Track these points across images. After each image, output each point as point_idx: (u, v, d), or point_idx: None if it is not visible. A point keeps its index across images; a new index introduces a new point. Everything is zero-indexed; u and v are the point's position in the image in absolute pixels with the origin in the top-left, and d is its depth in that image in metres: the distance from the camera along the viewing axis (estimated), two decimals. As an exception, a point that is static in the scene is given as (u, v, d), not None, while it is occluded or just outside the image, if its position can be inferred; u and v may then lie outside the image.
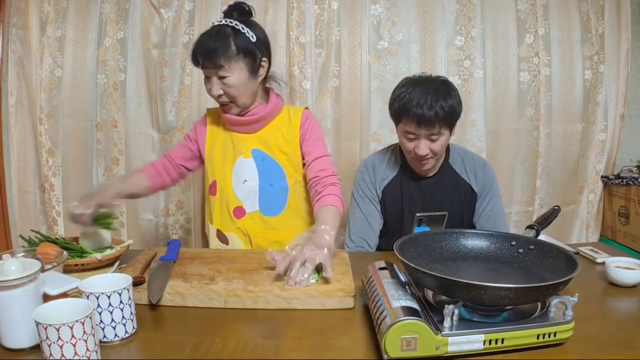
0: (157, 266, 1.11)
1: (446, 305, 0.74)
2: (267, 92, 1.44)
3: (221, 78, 1.30)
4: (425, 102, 1.28)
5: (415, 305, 0.77)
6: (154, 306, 0.95)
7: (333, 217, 1.23)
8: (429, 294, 0.87)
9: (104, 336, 0.80)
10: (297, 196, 1.43)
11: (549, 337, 0.76)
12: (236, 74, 1.30)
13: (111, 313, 0.79)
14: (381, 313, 0.77)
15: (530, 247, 0.94)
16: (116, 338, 0.81)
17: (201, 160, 1.49)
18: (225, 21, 1.31)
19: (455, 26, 2.13)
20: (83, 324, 0.68)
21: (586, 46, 2.18)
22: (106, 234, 1.25)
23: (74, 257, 1.13)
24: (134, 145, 2.18)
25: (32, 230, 1.27)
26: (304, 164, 1.41)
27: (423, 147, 1.33)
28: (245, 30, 1.31)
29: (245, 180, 1.40)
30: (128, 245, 1.26)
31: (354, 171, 1.61)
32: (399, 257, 0.84)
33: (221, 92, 1.32)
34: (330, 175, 1.35)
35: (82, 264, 1.10)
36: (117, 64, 2.16)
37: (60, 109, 2.20)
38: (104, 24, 2.14)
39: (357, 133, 2.17)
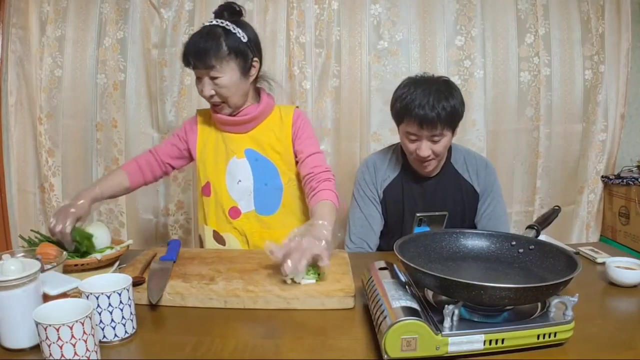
0: (157, 266, 1.10)
1: (446, 306, 0.74)
2: (258, 92, 1.44)
3: (213, 79, 1.29)
4: (428, 103, 1.26)
5: (415, 305, 0.77)
6: (153, 306, 0.95)
7: (329, 211, 1.22)
8: (429, 294, 0.87)
9: (104, 336, 0.80)
10: (292, 195, 1.44)
11: (549, 337, 0.76)
12: (228, 74, 1.29)
13: (111, 313, 0.79)
14: (381, 313, 0.77)
15: (531, 247, 0.94)
16: (116, 338, 0.81)
17: (188, 160, 1.49)
18: (216, 21, 1.31)
19: (455, 26, 2.13)
20: (83, 324, 0.68)
21: (586, 46, 2.18)
22: (104, 235, 1.24)
23: (73, 257, 1.13)
24: (133, 145, 2.18)
25: (32, 230, 1.27)
26: (296, 162, 1.42)
27: (425, 148, 1.32)
28: (236, 30, 1.30)
29: (240, 181, 1.40)
30: (128, 245, 1.26)
31: (354, 171, 1.61)
32: (399, 257, 0.84)
33: (213, 92, 1.31)
34: (324, 171, 1.34)
35: (82, 264, 1.10)
36: (117, 64, 2.16)
37: (60, 109, 2.20)
38: (104, 24, 2.14)
39: (357, 133, 2.17)
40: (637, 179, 2.11)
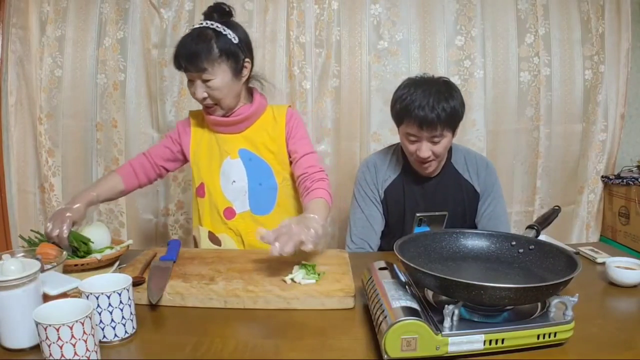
0: (157, 266, 1.10)
1: (446, 306, 0.74)
2: (250, 92, 1.44)
3: (205, 81, 1.29)
4: (427, 104, 1.26)
5: (415, 305, 0.77)
6: (153, 306, 0.95)
7: (322, 208, 1.23)
8: (429, 294, 0.87)
9: (104, 336, 0.80)
10: (286, 194, 1.44)
11: (549, 337, 0.76)
12: (220, 76, 1.29)
13: (111, 313, 0.79)
14: (381, 313, 0.77)
15: (531, 247, 0.94)
16: (116, 338, 0.81)
17: (182, 162, 1.49)
18: (206, 23, 1.30)
19: (455, 26, 2.13)
20: (83, 324, 0.68)
21: (586, 46, 2.18)
22: (104, 235, 1.24)
23: (73, 257, 1.13)
24: (133, 145, 2.18)
25: (32, 230, 1.27)
26: (290, 162, 1.42)
27: (425, 149, 1.32)
28: (227, 32, 1.29)
29: (234, 181, 1.40)
30: (128, 245, 1.26)
31: (354, 171, 1.61)
32: (399, 257, 0.84)
33: (205, 95, 1.31)
34: (318, 171, 1.35)
35: (82, 264, 1.10)
36: (117, 64, 2.16)
37: (60, 109, 2.20)
38: (104, 24, 2.14)
39: (357, 133, 2.17)
40: (637, 179, 2.11)
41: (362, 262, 1.05)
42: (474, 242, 0.99)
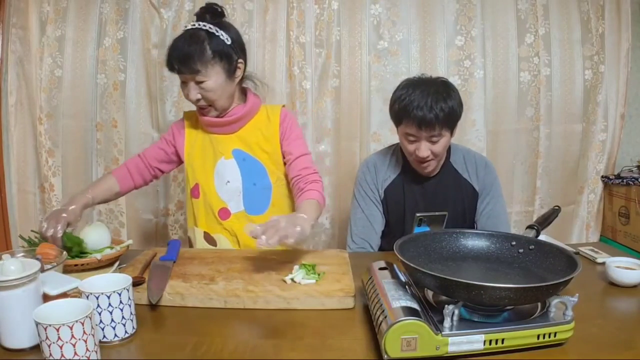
0: (157, 266, 1.10)
1: (446, 305, 0.74)
2: (244, 92, 1.44)
3: (198, 83, 1.29)
4: (426, 104, 1.27)
5: (415, 305, 0.77)
6: (153, 306, 0.95)
7: (312, 208, 1.24)
8: (429, 294, 0.87)
9: (104, 336, 0.80)
10: (281, 194, 1.44)
11: (549, 337, 0.76)
12: (213, 78, 1.29)
13: (111, 313, 0.79)
14: (381, 313, 0.77)
15: (531, 247, 0.94)
16: (116, 338, 0.81)
17: (177, 163, 1.49)
18: (199, 24, 1.29)
19: (455, 26, 2.13)
20: (83, 324, 0.68)
21: (586, 46, 2.18)
22: (104, 235, 1.24)
23: (73, 257, 1.13)
24: (133, 145, 2.18)
25: (32, 230, 1.27)
26: (285, 163, 1.42)
27: (424, 149, 1.32)
28: (220, 33, 1.29)
29: (228, 181, 1.40)
30: (128, 245, 1.26)
31: (354, 171, 1.61)
32: (399, 257, 0.84)
33: (199, 96, 1.31)
34: (312, 173, 1.36)
35: (82, 264, 1.10)
36: (117, 64, 2.16)
37: (60, 109, 2.20)
38: (104, 24, 2.14)
39: (357, 133, 2.17)
40: (637, 179, 2.11)
41: (362, 262, 1.05)
42: (474, 242, 0.99)
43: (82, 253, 1.16)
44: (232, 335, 0.85)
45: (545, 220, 1.11)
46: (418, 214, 1.37)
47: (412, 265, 0.80)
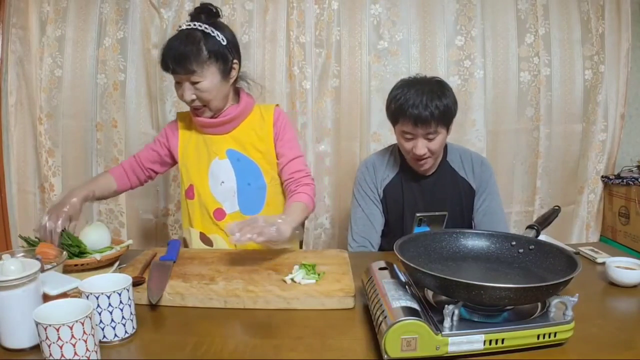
0: (157, 266, 1.10)
1: (446, 305, 0.74)
2: (237, 92, 1.44)
3: (193, 83, 1.28)
4: (421, 102, 1.29)
5: (415, 305, 0.77)
6: (154, 306, 0.95)
7: (298, 211, 1.27)
8: (429, 294, 0.87)
9: (104, 336, 0.80)
10: (275, 193, 1.44)
11: (549, 337, 0.76)
12: (208, 78, 1.28)
13: (111, 313, 0.79)
14: (381, 313, 0.77)
15: (531, 247, 0.94)
16: (116, 338, 0.81)
17: (171, 164, 1.50)
18: (194, 24, 1.29)
19: (455, 26, 2.13)
20: (83, 324, 0.68)
21: (586, 46, 2.18)
22: (104, 235, 1.24)
23: (73, 257, 1.13)
24: (133, 145, 2.18)
25: (33, 230, 1.27)
26: (278, 164, 1.43)
27: (421, 146, 1.34)
28: (216, 33, 1.29)
29: (223, 182, 1.40)
30: (128, 245, 1.26)
31: (354, 171, 1.62)
32: (399, 257, 0.84)
33: (194, 97, 1.30)
34: (304, 176, 1.39)
35: (82, 264, 1.10)
36: (117, 64, 2.16)
37: (60, 109, 2.20)
38: (104, 24, 2.14)
39: (357, 133, 2.17)
40: (637, 179, 2.11)
41: (362, 262, 1.05)
42: (474, 242, 0.99)
43: (82, 253, 1.16)
44: (232, 335, 0.85)
45: (545, 220, 1.11)
46: (418, 214, 1.38)
47: (412, 265, 0.80)
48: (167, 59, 1.27)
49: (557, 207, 1.18)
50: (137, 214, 2.27)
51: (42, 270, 0.83)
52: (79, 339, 0.68)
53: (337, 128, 2.19)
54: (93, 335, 0.70)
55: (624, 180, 2.16)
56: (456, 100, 1.37)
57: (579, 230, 2.33)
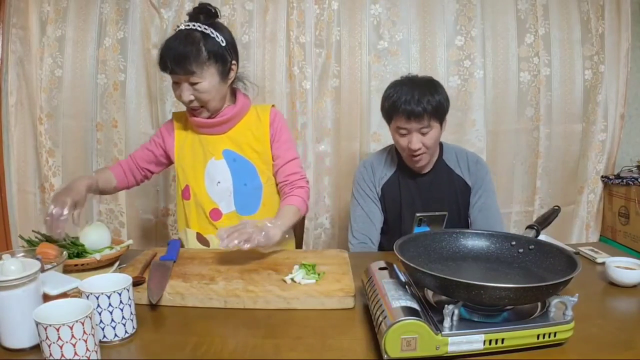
0: (157, 266, 1.11)
1: (446, 305, 0.74)
2: (233, 92, 1.44)
3: (192, 84, 1.28)
4: (413, 98, 1.34)
5: (415, 305, 0.77)
6: (154, 306, 0.95)
7: (289, 214, 1.29)
8: (429, 294, 0.87)
9: (104, 336, 0.80)
10: (271, 193, 1.45)
11: (549, 337, 0.76)
12: (207, 79, 1.28)
13: (111, 313, 0.79)
14: (381, 313, 0.77)
15: (531, 247, 0.94)
16: (116, 338, 0.81)
17: (167, 164, 1.50)
18: (193, 25, 1.28)
19: (455, 26, 2.13)
20: (83, 324, 0.68)
21: (586, 46, 2.18)
22: (104, 235, 1.24)
23: (72, 257, 1.13)
24: (134, 145, 2.18)
25: (33, 230, 1.27)
26: (273, 165, 1.43)
27: (415, 141, 1.37)
28: (215, 34, 1.29)
29: (219, 182, 1.40)
30: (128, 245, 1.26)
31: (354, 171, 1.63)
32: (399, 257, 0.84)
33: (192, 97, 1.30)
34: (299, 179, 1.40)
35: (82, 264, 1.10)
36: (117, 64, 2.16)
37: (60, 109, 2.20)
38: (104, 24, 2.14)
39: (357, 133, 2.17)
40: (637, 179, 2.11)
41: (362, 262, 1.05)
42: (474, 242, 0.99)
43: (82, 253, 1.16)
44: (232, 335, 0.85)
45: (545, 220, 1.11)
46: (418, 214, 1.38)
47: (412, 265, 0.80)
48: (166, 59, 1.26)
49: (557, 207, 1.19)
50: (137, 214, 2.27)
51: (42, 270, 0.83)
52: (79, 339, 0.68)
53: (337, 128, 2.18)
54: (93, 335, 0.70)
55: (624, 180, 2.16)
56: (448, 98, 1.41)
57: (578, 230, 2.33)
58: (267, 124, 1.42)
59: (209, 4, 1.33)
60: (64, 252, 1.02)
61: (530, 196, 2.26)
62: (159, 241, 2.29)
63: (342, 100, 2.15)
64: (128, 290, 0.82)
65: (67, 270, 1.04)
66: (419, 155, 1.40)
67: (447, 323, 0.74)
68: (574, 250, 1.19)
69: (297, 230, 1.76)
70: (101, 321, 0.79)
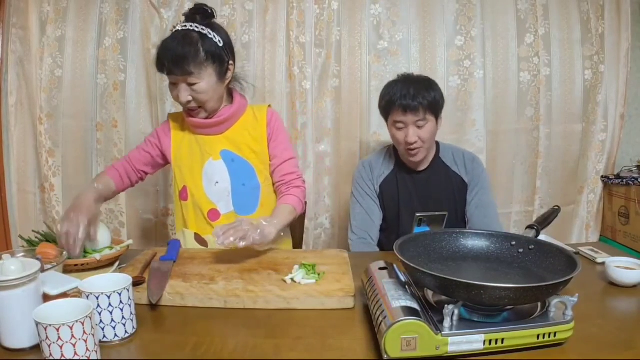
0: (157, 266, 1.11)
1: (446, 305, 0.74)
2: (230, 92, 1.44)
3: (190, 84, 1.28)
4: (409, 93, 1.40)
5: (415, 305, 0.77)
6: (154, 306, 0.95)
7: (285, 213, 1.30)
8: (429, 294, 0.87)
9: (104, 336, 0.80)
10: (269, 193, 1.45)
11: (549, 337, 0.76)
12: (205, 79, 1.28)
13: (111, 313, 0.80)
14: (381, 313, 0.77)
15: (531, 247, 0.94)
16: (116, 338, 0.81)
17: (163, 165, 1.50)
18: (190, 25, 1.28)
19: (455, 26, 2.13)
20: (83, 324, 0.68)
21: (586, 46, 2.18)
22: (104, 235, 1.24)
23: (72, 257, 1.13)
24: (134, 145, 2.14)
25: (33, 231, 1.27)
26: (270, 165, 1.44)
27: (412, 133, 1.42)
28: (212, 35, 1.29)
29: (217, 182, 1.40)
30: (128, 245, 1.26)
31: (354, 171, 1.65)
32: (399, 257, 0.84)
33: (190, 98, 1.30)
34: (295, 179, 1.41)
35: (82, 264, 1.10)
36: (117, 64, 2.16)
37: (60, 109, 2.20)
38: (104, 24, 2.14)
39: (357, 133, 2.17)
40: (637, 179, 2.11)
41: (362, 262, 1.05)
42: (474, 242, 0.99)
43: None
44: (232, 335, 0.85)
45: (545, 220, 1.11)
46: (418, 214, 1.39)
47: (412, 265, 0.80)
48: (164, 60, 1.26)
49: (557, 207, 1.19)
50: (137, 214, 2.27)
51: (42, 270, 0.83)
52: (79, 339, 0.68)
53: (337, 128, 2.18)
54: (93, 335, 0.70)
55: (624, 180, 2.16)
56: (443, 96, 1.47)
57: (578, 230, 2.33)
58: (264, 124, 1.42)
59: (205, 5, 1.33)
60: (64, 252, 1.02)
61: (530, 196, 2.26)
62: (159, 241, 2.29)
63: (342, 100, 2.15)
64: (128, 290, 0.82)
65: (67, 270, 1.04)
66: (415, 149, 1.44)
67: (447, 323, 0.74)
68: (574, 250, 1.19)
69: (297, 230, 1.77)
70: (101, 321, 0.79)
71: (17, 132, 2.20)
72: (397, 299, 0.79)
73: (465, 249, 0.99)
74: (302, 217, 1.84)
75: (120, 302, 0.80)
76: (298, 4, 2.10)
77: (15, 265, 0.77)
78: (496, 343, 0.74)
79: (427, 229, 1.40)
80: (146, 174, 1.49)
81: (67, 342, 0.67)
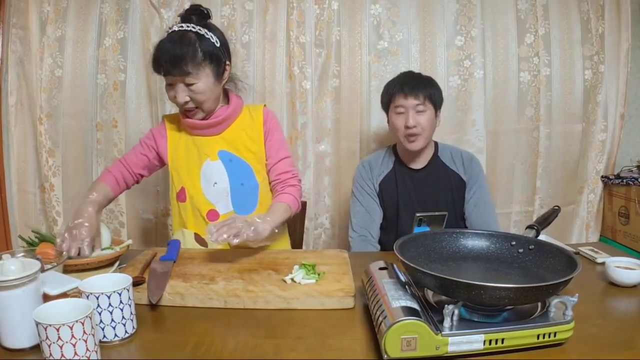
0: (157, 266, 1.11)
1: (446, 305, 0.74)
2: (226, 93, 1.45)
3: (188, 85, 1.28)
4: (409, 83, 1.51)
5: (415, 305, 0.77)
6: (154, 306, 0.95)
7: (279, 211, 1.31)
8: (429, 294, 0.87)
9: (104, 336, 0.80)
10: (267, 192, 1.46)
11: (549, 337, 0.76)
12: (203, 80, 1.28)
13: (111, 313, 0.80)
14: (381, 313, 0.77)
15: (531, 247, 0.94)
16: (116, 338, 0.81)
17: (158, 167, 1.49)
18: (186, 26, 1.28)
19: (455, 26, 2.13)
20: (83, 324, 0.68)
21: (586, 46, 2.17)
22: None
23: (71, 257, 1.13)
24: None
25: (32, 231, 1.27)
26: (266, 164, 1.44)
27: (412, 117, 1.48)
28: (209, 35, 1.29)
29: (216, 183, 1.40)
30: (128, 245, 1.26)
31: (354, 171, 1.67)
32: (399, 257, 0.84)
33: (187, 98, 1.30)
34: (290, 177, 1.41)
35: (82, 264, 1.10)
36: (117, 64, 2.16)
37: (60, 109, 2.20)
38: (104, 24, 2.14)
39: (357, 133, 2.17)
40: (637, 179, 2.11)
41: (362, 262, 1.05)
42: (474, 242, 0.99)
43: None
44: (232, 335, 0.85)
45: (545, 220, 1.11)
46: (418, 214, 1.39)
47: (412, 265, 0.80)
48: (162, 60, 1.26)
49: (557, 207, 1.19)
50: (137, 214, 2.27)
51: (42, 270, 0.83)
52: (79, 339, 0.68)
53: (337, 128, 2.18)
54: (93, 335, 0.70)
55: (624, 180, 2.16)
56: (442, 94, 1.55)
57: (578, 230, 2.33)
58: (261, 124, 1.43)
59: (201, 5, 1.34)
60: (64, 252, 1.02)
61: (530, 196, 2.25)
62: (159, 241, 2.29)
63: (342, 100, 2.15)
64: (128, 290, 0.82)
65: (67, 270, 1.04)
66: (414, 134, 1.49)
67: (447, 323, 0.74)
68: (574, 250, 1.19)
69: (297, 230, 1.77)
70: (101, 321, 0.79)
71: (17, 132, 2.20)
72: (397, 299, 0.79)
73: (465, 249, 0.99)
74: (302, 217, 1.84)
75: (120, 302, 0.80)
76: (298, 4, 2.10)
77: (15, 265, 0.77)
78: (496, 343, 0.74)
79: (427, 229, 1.40)
80: (142, 176, 1.49)
81: (67, 342, 0.67)
